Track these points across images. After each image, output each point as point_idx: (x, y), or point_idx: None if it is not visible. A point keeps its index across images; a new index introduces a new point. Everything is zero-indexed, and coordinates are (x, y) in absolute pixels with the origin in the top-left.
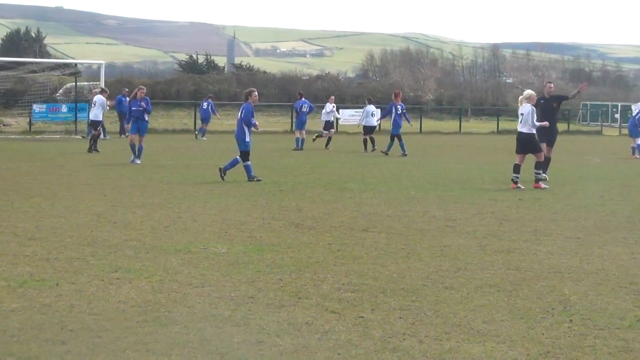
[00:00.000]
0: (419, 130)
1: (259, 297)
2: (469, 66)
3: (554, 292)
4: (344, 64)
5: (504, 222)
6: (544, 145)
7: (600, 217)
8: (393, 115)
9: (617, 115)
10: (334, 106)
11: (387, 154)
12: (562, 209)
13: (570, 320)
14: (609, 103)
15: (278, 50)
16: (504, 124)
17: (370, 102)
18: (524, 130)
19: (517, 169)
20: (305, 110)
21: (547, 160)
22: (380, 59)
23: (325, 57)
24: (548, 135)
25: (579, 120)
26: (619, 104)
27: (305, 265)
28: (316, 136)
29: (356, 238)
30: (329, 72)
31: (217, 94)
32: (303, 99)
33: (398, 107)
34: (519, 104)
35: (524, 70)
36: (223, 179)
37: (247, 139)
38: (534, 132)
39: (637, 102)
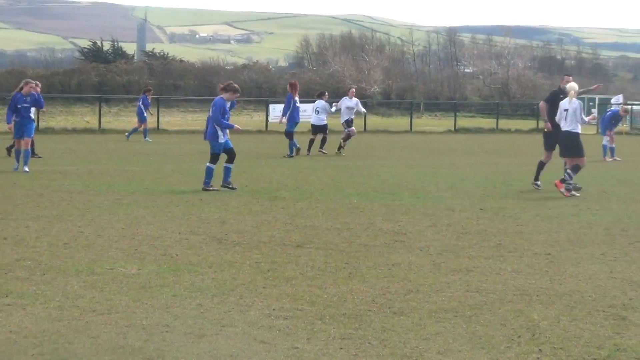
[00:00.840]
0: (362, 129)
1: (175, 325)
2: (422, 53)
3: (520, 318)
4: (275, 51)
5: (462, 235)
6: (551, 153)
7: (574, 229)
8: (291, 110)
9: (595, 110)
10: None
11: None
12: (530, 221)
13: (540, 349)
14: (585, 96)
15: (197, 36)
16: (463, 121)
17: (321, 97)
18: (567, 128)
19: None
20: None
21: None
22: (317, 45)
23: (253, 43)
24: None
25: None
26: (597, 97)
27: (230, 288)
28: (344, 141)
29: (289, 255)
30: (257, 61)
31: (126, 86)
32: None
33: (297, 99)
34: (566, 100)
35: (486, 58)
36: (234, 188)
37: (220, 140)
38: (579, 131)
39: (617, 95)
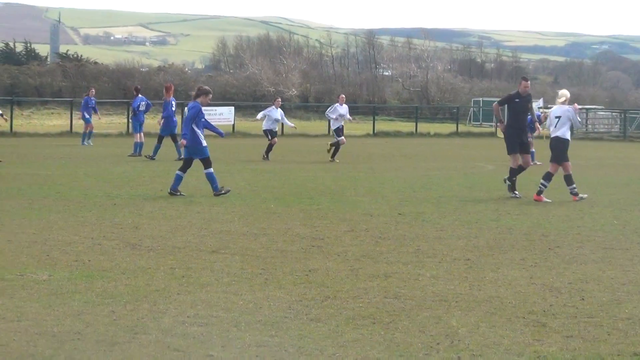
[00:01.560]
0: (280, 132)
1: (87, 332)
2: (340, 56)
3: (439, 324)
4: (191, 54)
5: (380, 241)
6: (517, 156)
7: (494, 234)
8: (168, 113)
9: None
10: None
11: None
12: (449, 225)
13: (459, 357)
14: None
15: (112, 37)
16: (381, 125)
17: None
18: (557, 134)
19: (568, 179)
20: (143, 109)
21: (522, 169)
22: (234, 48)
23: (169, 45)
24: (522, 140)
25: (470, 120)
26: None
27: (143, 295)
28: (331, 146)
29: (204, 261)
30: (172, 63)
31: (39, 88)
32: (140, 95)
33: (173, 103)
34: (557, 106)
35: (405, 61)
36: (228, 191)
37: (204, 143)
38: (569, 137)
39: (539, 99)
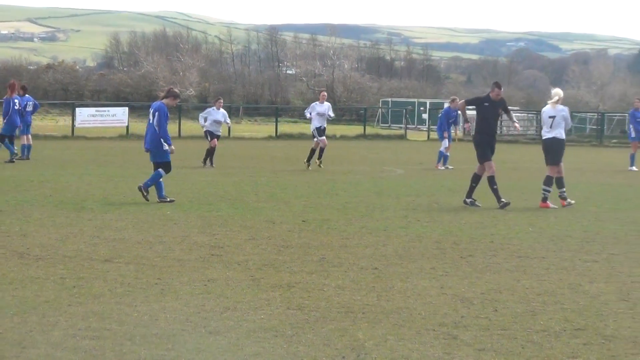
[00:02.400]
0: (177, 135)
1: None
2: (241, 53)
3: (345, 337)
4: (83, 50)
5: (283, 249)
6: (491, 163)
7: (403, 242)
8: (10, 113)
9: (426, 115)
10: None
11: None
12: (355, 233)
13: None
14: (416, 100)
15: None
16: (284, 127)
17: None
18: (553, 135)
19: (560, 182)
20: (30, 109)
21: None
22: (128, 44)
23: (59, 41)
24: (492, 146)
25: (378, 121)
26: (428, 101)
27: (32, 306)
28: (310, 159)
29: (97, 271)
30: (63, 61)
31: None
32: (27, 95)
33: (16, 101)
34: (549, 105)
35: (309, 59)
36: (147, 199)
37: (165, 147)
38: (564, 137)
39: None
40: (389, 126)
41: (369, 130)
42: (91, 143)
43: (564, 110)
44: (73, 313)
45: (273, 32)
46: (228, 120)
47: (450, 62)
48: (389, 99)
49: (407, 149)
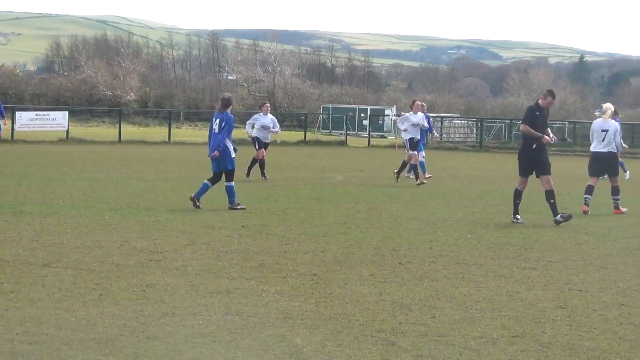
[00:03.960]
0: (117, 139)
1: None
2: (182, 58)
3: (283, 343)
4: (23, 54)
5: (222, 255)
6: (525, 179)
7: (342, 248)
8: None
9: (366, 122)
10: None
11: None
12: (295, 239)
13: None
14: (357, 106)
15: None
16: None
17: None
18: (608, 149)
19: (590, 190)
20: None
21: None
22: (68, 48)
23: None
24: (542, 159)
25: (319, 127)
26: (369, 108)
27: None
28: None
29: (34, 275)
30: (2, 64)
31: None
32: None
33: None
34: (600, 118)
35: (251, 65)
36: (199, 207)
37: (233, 154)
38: (616, 151)
39: (392, 107)
40: (330, 132)
41: (310, 136)
42: (31, 147)
43: (615, 125)
44: (10, 318)
45: (214, 37)
46: (277, 127)
47: (391, 69)
48: (330, 105)
49: (347, 155)
